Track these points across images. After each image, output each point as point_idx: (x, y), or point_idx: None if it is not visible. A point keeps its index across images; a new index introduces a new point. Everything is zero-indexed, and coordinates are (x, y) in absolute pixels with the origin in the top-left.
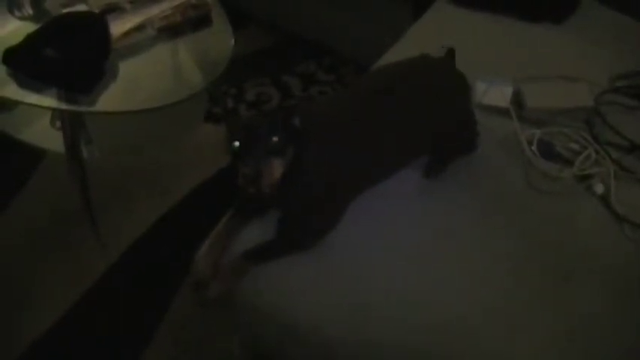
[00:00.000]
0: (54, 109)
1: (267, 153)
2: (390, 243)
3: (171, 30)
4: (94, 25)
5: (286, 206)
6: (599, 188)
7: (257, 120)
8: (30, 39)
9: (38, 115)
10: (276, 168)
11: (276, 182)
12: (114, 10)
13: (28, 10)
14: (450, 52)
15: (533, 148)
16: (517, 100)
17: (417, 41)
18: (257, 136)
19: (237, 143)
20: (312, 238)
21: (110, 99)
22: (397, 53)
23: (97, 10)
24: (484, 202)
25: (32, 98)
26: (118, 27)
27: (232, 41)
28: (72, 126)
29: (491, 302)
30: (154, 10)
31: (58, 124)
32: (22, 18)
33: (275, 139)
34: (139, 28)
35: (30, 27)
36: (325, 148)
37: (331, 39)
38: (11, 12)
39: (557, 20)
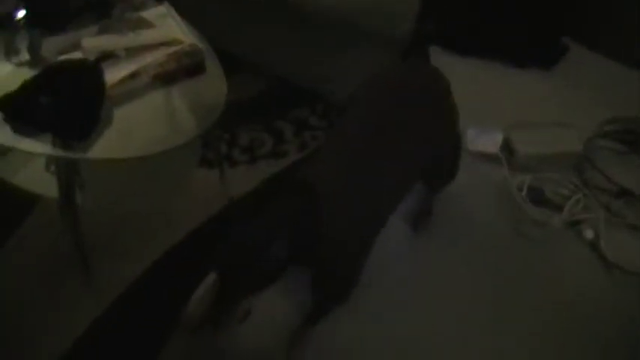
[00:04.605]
0: (48, 156)
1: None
2: (375, 293)
3: (165, 77)
4: (89, 72)
5: (319, 266)
6: (589, 234)
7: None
8: (25, 86)
9: (32, 159)
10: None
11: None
12: (109, 57)
13: (25, 57)
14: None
15: (523, 194)
16: (507, 146)
17: None
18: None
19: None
20: (352, 289)
21: (105, 146)
22: None
23: (92, 58)
24: (473, 249)
25: (26, 144)
26: (113, 74)
27: (225, 88)
28: (66, 172)
29: (480, 350)
30: (149, 58)
31: (53, 167)
32: (19, 64)
33: (268, 239)
34: (133, 75)
35: (26, 72)
36: (341, 202)
37: (323, 85)
38: (7, 58)
39: (546, 66)
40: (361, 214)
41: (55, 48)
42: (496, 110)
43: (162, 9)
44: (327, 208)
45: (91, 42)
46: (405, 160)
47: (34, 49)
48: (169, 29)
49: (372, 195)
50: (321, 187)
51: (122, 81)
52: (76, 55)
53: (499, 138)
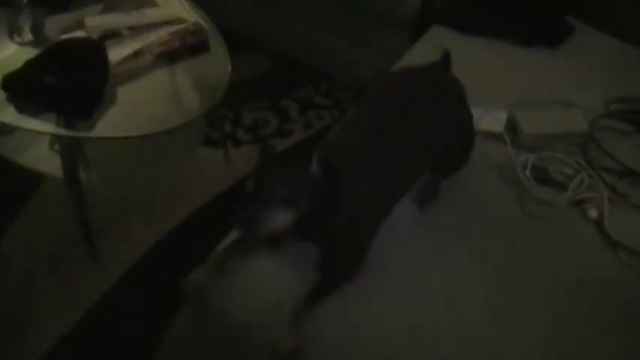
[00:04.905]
0: (52, 135)
1: (268, 203)
2: (382, 271)
3: (169, 56)
4: (93, 51)
5: (330, 243)
6: (593, 213)
7: (277, 165)
8: (29, 65)
9: (37, 138)
10: (277, 219)
11: (277, 231)
12: (112, 36)
13: (28, 36)
14: (446, 56)
15: (527, 173)
16: (511, 125)
17: None
18: (265, 185)
19: (249, 183)
20: (357, 270)
21: (109, 125)
22: None
23: (95, 37)
24: (478, 228)
25: (30, 123)
26: (116, 53)
27: (229, 67)
28: (70, 151)
29: (484, 330)
30: (152, 37)
31: (57, 146)
32: (22, 43)
33: (282, 191)
34: (137, 54)
35: (29, 52)
36: (357, 179)
37: (328, 63)
38: (11, 37)
39: (551, 45)
40: (375, 195)
41: (58, 27)
42: (501, 89)
43: None
44: (346, 184)
45: (95, 21)
46: (418, 150)
47: (37, 29)
48: (173, 8)
49: (385, 178)
50: (339, 164)
51: (126, 60)
52: (80, 33)
53: (503, 117)
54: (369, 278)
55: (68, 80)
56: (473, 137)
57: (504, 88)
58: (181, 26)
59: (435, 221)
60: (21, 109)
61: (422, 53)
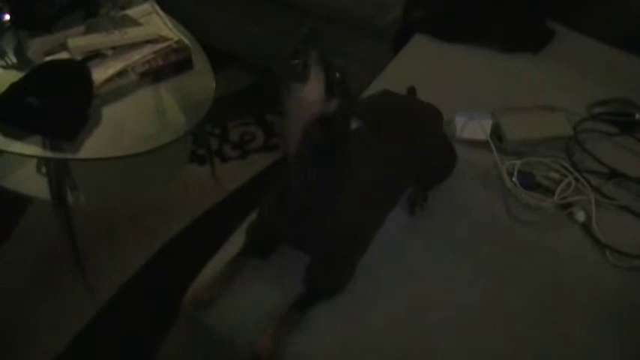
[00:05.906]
0: (39, 157)
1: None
2: (371, 278)
3: (153, 74)
4: (77, 72)
5: (321, 256)
6: (580, 216)
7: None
8: (13, 88)
9: (24, 161)
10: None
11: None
12: (96, 56)
13: (11, 59)
14: (411, 90)
15: (514, 179)
16: (496, 132)
17: (397, 77)
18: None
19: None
20: (344, 286)
21: (95, 145)
22: (378, 89)
23: (79, 57)
24: (467, 235)
25: (16, 147)
26: (100, 73)
27: (213, 84)
28: (57, 173)
29: (477, 335)
30: (136, 56)
31: (44, 169)
32: (5, 67)
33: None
34: (121, 73)
35: (13, 75)
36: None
37: None
38: None
39: (533, 50)
40: (365, 212)
41: (41, 49)
42: (484, 96)
43: (148, 6)
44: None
45: (77, 42)
46: (402, 168)
47: (20, 51)
48: (155, 26)
49: (374, 196)
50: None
51: (110, 79)
52: (63, 55)
53: (488, 124)
54: (365, 282)
55: (53, 102)
56: (453, 154)
57: (488, 95)
58: (164, 44)
59: (422, 230)
60: (6, 133)
61: (404, 64)
